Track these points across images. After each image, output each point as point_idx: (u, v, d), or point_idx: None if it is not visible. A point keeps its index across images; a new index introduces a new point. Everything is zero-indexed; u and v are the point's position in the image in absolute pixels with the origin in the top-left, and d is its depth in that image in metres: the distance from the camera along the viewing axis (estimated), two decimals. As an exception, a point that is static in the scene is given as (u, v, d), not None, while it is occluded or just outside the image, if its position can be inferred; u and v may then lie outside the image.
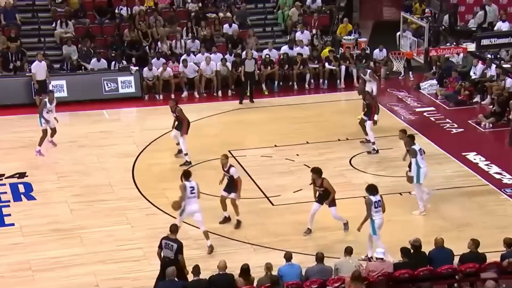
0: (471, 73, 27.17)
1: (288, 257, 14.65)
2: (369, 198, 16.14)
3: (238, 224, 18.23)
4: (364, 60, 27.98)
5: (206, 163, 21.37)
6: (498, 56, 27.44)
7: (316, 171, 17.49)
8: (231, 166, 18.27)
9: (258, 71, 27.61)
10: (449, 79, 27.12)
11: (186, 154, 21.31)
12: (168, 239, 14.99)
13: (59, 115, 23.08)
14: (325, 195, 17.50)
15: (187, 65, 27.39)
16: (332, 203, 17.55)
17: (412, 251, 14.81)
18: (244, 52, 27.84)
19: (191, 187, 16.85)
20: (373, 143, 22.09)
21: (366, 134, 22.27)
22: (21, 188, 20.28)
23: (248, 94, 26.65)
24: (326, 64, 28.29)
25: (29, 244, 17.49)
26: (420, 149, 18.42)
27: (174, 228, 15.20)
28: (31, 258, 16.87)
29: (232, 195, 18.06)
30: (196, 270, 14.25)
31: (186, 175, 17.13)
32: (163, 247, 14.97)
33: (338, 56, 28.71)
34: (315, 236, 17.47)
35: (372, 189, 16.28)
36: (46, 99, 22.42)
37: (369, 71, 24.32)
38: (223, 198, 18.17)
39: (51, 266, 16.57)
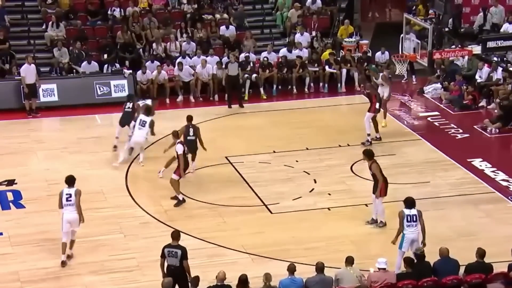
0: (477, 77, 27.01)
1: (291, 269, 14.40)
2: (402, 211, 15.83)
3: (178, 203, 19.01)
4: (377, 65, 27.40)
5: (201, 170, 21.15)
6: (505, 58, 27.30)
7: (365, 153, 17.93)
8: (179, 142, 19.02)
9: (256, 74, 27.43)
10: (453, 83, 26.86)
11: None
12: (171, 247, 14.81)
13: (49, 120, 22.72)
14: (375, 183, 17.60)
15: (182, 68, 27.13)
16: (378, 193, 17.54)
17: (415, 260, 14.60)
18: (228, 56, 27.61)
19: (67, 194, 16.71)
20: (368, 135, 22.34)
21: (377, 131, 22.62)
22: (10, 196, 20.02)
23: (229, 98, 26.44)
24: (327, 67, 28.10)
25: (18, 254, 17.27)
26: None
27: (175, 235, 14.99)
28: (20, 269, 16.67)
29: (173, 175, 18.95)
30: (195, 281, 14.10)
31: None
32: (166, 255, 14.77)
33: (339, 59, 28.58)
34: (315, 246, 17.20)
35: (409, 202, 15.90)
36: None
37: (381, 74, 24.05)
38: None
39: (41, 277, 16.39)
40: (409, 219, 15.70)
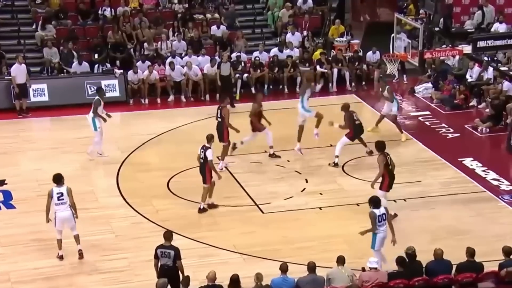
0: (467, 76, 27.03)
1: (283, 269, 14.35)
2: (373, 211, 15.77)
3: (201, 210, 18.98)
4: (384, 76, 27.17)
5: (193, 170, 20.81)
6: (495, 58, 27.31)
7: (376, 145, 18.16)
8: (208, 148, 18.72)
9: (247, 74, 27.44)
10: (445, 82, 26.92)
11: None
12: (163, 247, 14.75)
13: (40, 120, 22.65)
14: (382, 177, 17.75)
15: (174, 67, 27.03)
16: (380, 186, 17.68)
17: (407, 260, 14.54)
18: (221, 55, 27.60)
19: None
20: (337, 156, 21.73)
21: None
22: (0, 197, 19.93)
23: (219, 99, 26.13)
24: (318, 67, 27.94)
25: (9, 254, 17.21)
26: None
27: (168, 235, 14.93)
28: (10, 269, 16.61)
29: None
30: (186, 281, 14.04)
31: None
32: (159, 256, 14.72)
33: (330, 58, 28.46)
34: (306, 245, 17.16)
35: (376, 202, 15.87)
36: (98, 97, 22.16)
37: (388, 87, 23.46)
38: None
39: (32, 277, 16.32)
40: (380, 219, 15.70)
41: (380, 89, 23.95)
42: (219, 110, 21.19)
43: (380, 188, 17.86)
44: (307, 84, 22.19)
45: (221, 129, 20.97)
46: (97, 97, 22.17)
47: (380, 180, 17.88)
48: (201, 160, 18.73)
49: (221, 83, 26.29)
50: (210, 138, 18.88)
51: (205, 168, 18.60)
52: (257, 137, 21.80)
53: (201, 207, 18.82)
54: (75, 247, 17.05)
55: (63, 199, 16.58)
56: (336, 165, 21.35)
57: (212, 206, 18.99)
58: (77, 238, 16.88)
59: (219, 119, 21.08)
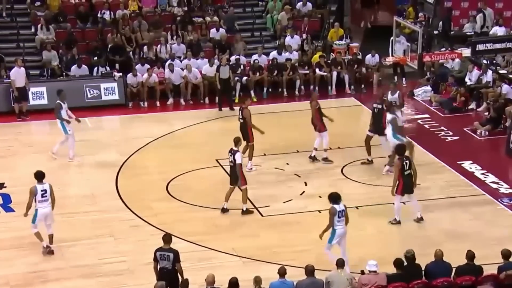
0: (466, 79, 27.01)
1: (282, 272, 14.31)
2: (333, 207, 15.91)
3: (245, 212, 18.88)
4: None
5: (192, 173, 21.05)
6: (494, 61, 27.27)
7: (395, 149, 18.35)
8: (237, 151, 18.69)
9: (246, 77, 27.48)
10: (446, 84, 26.92)
11: None
12: (162, 250, 14.73)
13: (39, 123, 22.59)
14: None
15: (173, 69, 26.96)
16: (396, 190, 17.80)
17: (406, 263, 14.53)
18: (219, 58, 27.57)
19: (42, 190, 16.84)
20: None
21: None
22: (-1, 200, 19.92)
23: (219, 101, 26.45)
24: (317, 70, 27.91)
25: (7, 258, 17.14)
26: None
27: (167, 238, 14.91)
28: (9, 272, 16.56)
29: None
30: (185, 284, 14.00)
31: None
32: (158, 259, 14.69)
33: (329, 61, 28.41)
34: (305, 249, 17.10)
35: (335, 198, 16.02)
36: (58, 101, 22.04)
37: (398, 92, 22.79)
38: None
39: (30, 281, 16.26)
40: (339, 215, 15.88)
41: (390, 92, 22.66)
42: (240, 111, 21.28)
43: (396, 192, 17.91)
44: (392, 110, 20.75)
45: (245, 129, 21.03)
46: (58, 101, 22.13)
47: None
48: (231, 164, 18.75)
49: (221, 86, 26.28)
50: (237, 141, 18.94)
51: (237, 171, 18.63)
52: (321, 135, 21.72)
53: (244, 209, 18.86)
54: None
55: (46, 196, 16.82)
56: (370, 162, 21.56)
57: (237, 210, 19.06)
58: (51, 238, 17.09)
59: (241, 120, 21.14)
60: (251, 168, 20.92)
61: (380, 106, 21.38)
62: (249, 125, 21.02)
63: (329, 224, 15.93)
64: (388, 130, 20.56)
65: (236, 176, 18.64)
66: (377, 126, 21.35)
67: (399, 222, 18.11)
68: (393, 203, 18.75)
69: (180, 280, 14.44)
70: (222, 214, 18.83)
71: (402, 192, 17.96)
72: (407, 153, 18.64)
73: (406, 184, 17.89)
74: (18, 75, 25.27)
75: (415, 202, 18.29)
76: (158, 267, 14.69)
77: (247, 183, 18.80)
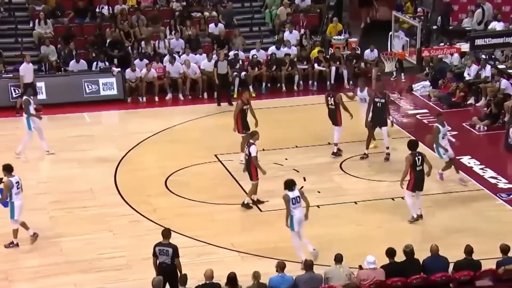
0: (465, 74, 27.00)
1: (280, 267, 14.31)
2: (286, 194, 16.20)
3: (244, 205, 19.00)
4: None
5: (191, 168, 21.06)
6: (493, 56, 27.26)
7: (408, 144, 18.16)
8: (252, 144, 18.63)
9: (245, 72, 27.49)
10: (445, 79, 26.92)
11: None
12: (162, 245, 14.75)
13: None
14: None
15: (174, 63, 26.95)
16: (407, 186, 17.72)
17: (405, 257, 14.54)
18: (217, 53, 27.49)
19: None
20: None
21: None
22: (-3, 194, 19.82)
23: (218, 96, 26.51)
24: (315, 65, 27.91)
25: (6, 253, 17.12)
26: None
27: (166, 233, 14.92)
28: (8, 267, 16.57)
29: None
30: (183, 279, 13.98)
31: None
32: (158, 254, 14.71)
33: (328, 56, 28.39)
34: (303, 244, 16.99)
35: (290, 184, 16.29)
36: (26, 97, 21.95)
37: (367, 88, 22.59)
38: None
39: (29, 276, 16.28)
40: (294, 202, 16.13)
41: (359, 89, 22.53)
42: (330, 98, 21.52)
43: (407, 188, 17.87)
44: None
45: (334, 114, 21.50)
46: (25, 97, 22.10)
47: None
48: (246, 157, 18.79)
49: (219, 81, 26.28)
50: (253, 134, 18.94)
51: (250, 164, 18.63)
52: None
53: (245, 202, 18.90)
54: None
55: (20, 188, 16.99)
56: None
57: (258, 202, 19.03)
58: (17, 232, 17.21)
59: (332, 106, 21.50)
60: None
61: (382, 101, 21.45)
62: (340, 110, 21.39)
63: (287, 211, 16.16)
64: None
65: (250, 169, 18.68)
66: (379, 119, 21.44)
67: (417, 219, 18.06)
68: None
69: (179, 275, 14.43)
70: (241, 207, 18.91)
71: (413, 188, 17.89)
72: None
73: (417, 180, 17.83)
74: (27, 70, 25.32)
75: (419, 200, 18.20)
76: (158, 262, 14.68)
77: (258, 179, 18.81)
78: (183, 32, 29.18)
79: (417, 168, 17.83)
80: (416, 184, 17.88)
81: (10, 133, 23.39)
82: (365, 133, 21.81)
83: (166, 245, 14.67)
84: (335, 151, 21.72)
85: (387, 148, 21.49)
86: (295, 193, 16.21)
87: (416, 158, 17.86)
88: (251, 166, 18.63)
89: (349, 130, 22.25)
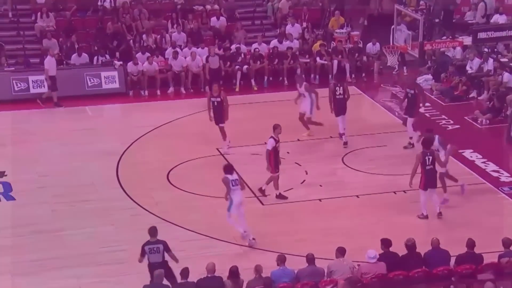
0: (467, 68, 26.90)
1: (282, 259, 14.32)
2: (226, 177, 16.74)
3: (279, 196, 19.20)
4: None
5: (192, 162, 21.05)
6: (495, 49, 27.18)
7: (422, 141, 18.08)
8: (271, 137, 18.81)
9: (247, 66, 27.40)
10: (447, 73, 26.80)
11: None
12: (151, 244, 14.67)
13: (40, 112, 22.57)
14: None
15: (177, 56, 26.90)
16: (420, 186, 17.74)
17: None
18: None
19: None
20: (410, 138, 21.75)
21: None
22: (0, 188, 19.85)
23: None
24: (318, 59, 27.84)
25: (9, 246, 17.12)
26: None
27: (153, 231, 14.87)
28: (10, 261, 16.49)
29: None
30: (185, 272, 13.96)
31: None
32: (147, 253, 14.63)
33: (330, 50, 28.36)
34: (306, 237, 17.11)
35: (229, 168, 16.92)
36: None
37: (305, 83, 23.13)
38: None
39: (31, 269, 16.23)
40: (233, 184, 16.68)
41: (298, 84, 22.95)
42: (338, 87, 21.70)
43: (419, 187, 17.83)
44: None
45: (343, 103, 21.66)
46: None
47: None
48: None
49: (210, 76, 26.29)
50: (275, 128, 19.01)
51: (268, 157, 18.74)
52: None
53: (277, 194, 19.05)
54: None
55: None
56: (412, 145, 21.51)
57: (262, 193, 19.12)
58: None
59: (341, 96, 21.61)
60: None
61: (413, 92, 21.51)
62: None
63: (227, 193, 16.70)
64: None
65: (268, 162, 18.75)
66: (411, 109, 21.57)
67: (426, 217, 17.99)
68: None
69: (171, 271, 14.44)
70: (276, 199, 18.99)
71: (425, 186, 17.81)
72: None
73: (428, 178, 17.77)
74: (51, 64, 25.36)
75: (435, 197, 18.10)
76: (148, 262, 14.61)
77: (278, 171, 18.89)
78: (185, 26, 29.16)
79: (427, 167, 17.75)
80: (428, 182, 17.80)
81: (14, 127, 23.37)
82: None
83: (155, 243, 14.60)
84: (345, 140, 21.88)
85: (410, 138, 21.54)
86: (234, 176, 16.77)
87: (427, 158, 17.76)
88: (269, 159, 18.68)
89: (351, 124, 22.29)
